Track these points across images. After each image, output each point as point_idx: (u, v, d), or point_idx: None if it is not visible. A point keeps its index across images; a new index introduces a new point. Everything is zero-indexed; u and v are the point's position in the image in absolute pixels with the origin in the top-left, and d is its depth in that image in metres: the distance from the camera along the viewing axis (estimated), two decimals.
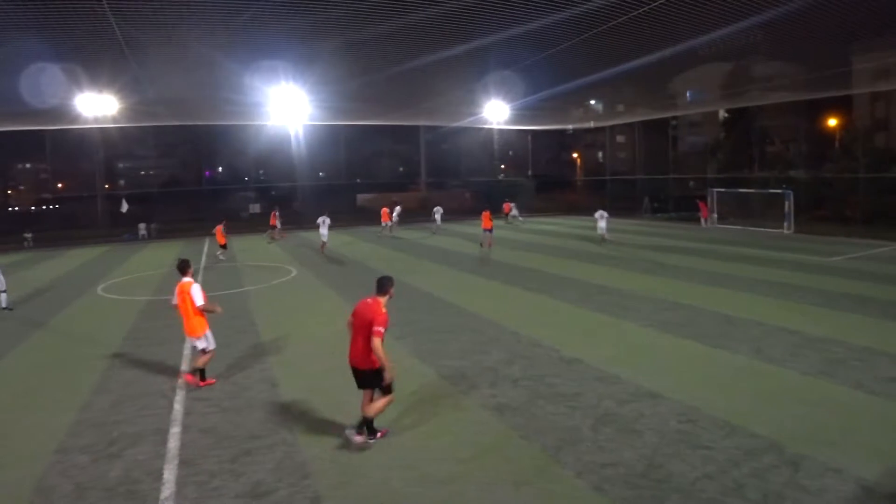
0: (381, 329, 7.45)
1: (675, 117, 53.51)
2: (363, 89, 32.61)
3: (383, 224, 36.50)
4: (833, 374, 9.93)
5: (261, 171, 55.44)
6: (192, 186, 47.88)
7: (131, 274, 24.11)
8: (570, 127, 55.51)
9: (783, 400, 8.86)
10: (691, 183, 47.72)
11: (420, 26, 20.95)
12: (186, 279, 10.23)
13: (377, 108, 38.92)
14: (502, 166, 55.32)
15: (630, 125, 52.55)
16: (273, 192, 50.20)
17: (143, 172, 59.22)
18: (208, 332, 10.23)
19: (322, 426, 8.39)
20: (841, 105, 41.87)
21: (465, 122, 48.01)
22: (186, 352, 12.23)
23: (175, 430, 8.38)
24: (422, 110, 41.08)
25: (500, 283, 19.06)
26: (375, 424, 7.79)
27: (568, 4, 18.70)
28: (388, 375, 7.54)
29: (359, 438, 7.61)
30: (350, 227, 41.93)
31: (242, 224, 44.61)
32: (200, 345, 10.17)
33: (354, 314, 7.80)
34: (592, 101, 53.54)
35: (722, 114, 51.69)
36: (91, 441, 8.15)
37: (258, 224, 43.45)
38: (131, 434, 8.32)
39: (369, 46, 24.21)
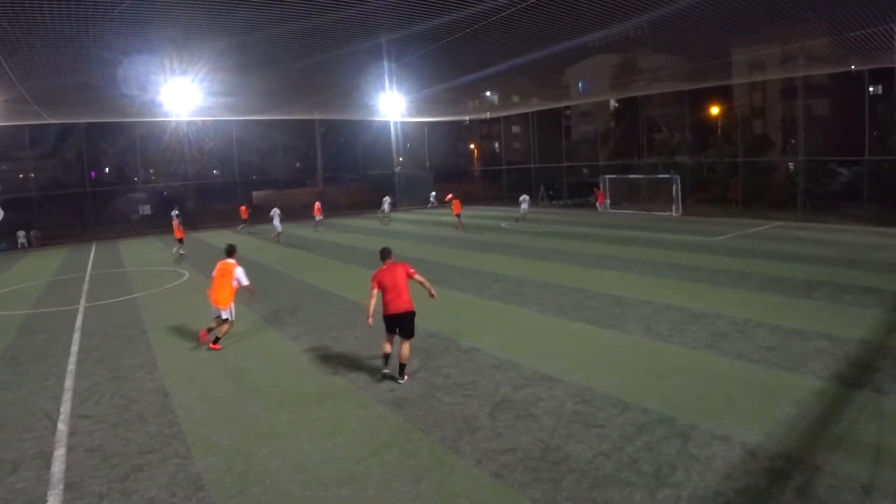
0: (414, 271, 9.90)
1: (567, 107, 54.94)
2: (256, 83, 31.72)
3: (317, 218, 36.12)
4: (717, 346, 10.54)
5: (151, 171, 52.78)
6: (77, 189, 44.86)
7: (8, 287, 22.45)
8: (466, 118, 56.10)
9: (672, 374, 9.31)
10: (585, 170, 49.26)
11: (312, 31, 20.62)
12: (231, 260, 12.06)
13: (270, 102, 37.97)
14: (399, 159, 55.03)
15: (525, 115, 53.48)
16: (165, 193, 48.03)
17: (20, 175, 55.00)
18: (232, 306, 11.97)
19: (216, 435, 8.10)
20: (722, 95, 44.14)
21: (361, 116, 47.59)
22: (71, 367, 11.55)
23: (59, 452, 7.85)
24: (316, 104, 40.35)
25: None
26: (406, 369, 9.66)
27: (457, 5, 18.84)
28: (434, 293, 10.38)
29: (406, 378, 9.50)
30: (248, 225, 40.77)
31: (132, 227, 42.58)
32: (225, 315, 11.86)
33: (383, 281, 9.69)
34: (488, 93, 54.20)
35: (612, 104, 53.54)
36: None
37: (149, 226, 41.76)
38: (11, 460, 7.73)
39: (260, 46, 23.53)
